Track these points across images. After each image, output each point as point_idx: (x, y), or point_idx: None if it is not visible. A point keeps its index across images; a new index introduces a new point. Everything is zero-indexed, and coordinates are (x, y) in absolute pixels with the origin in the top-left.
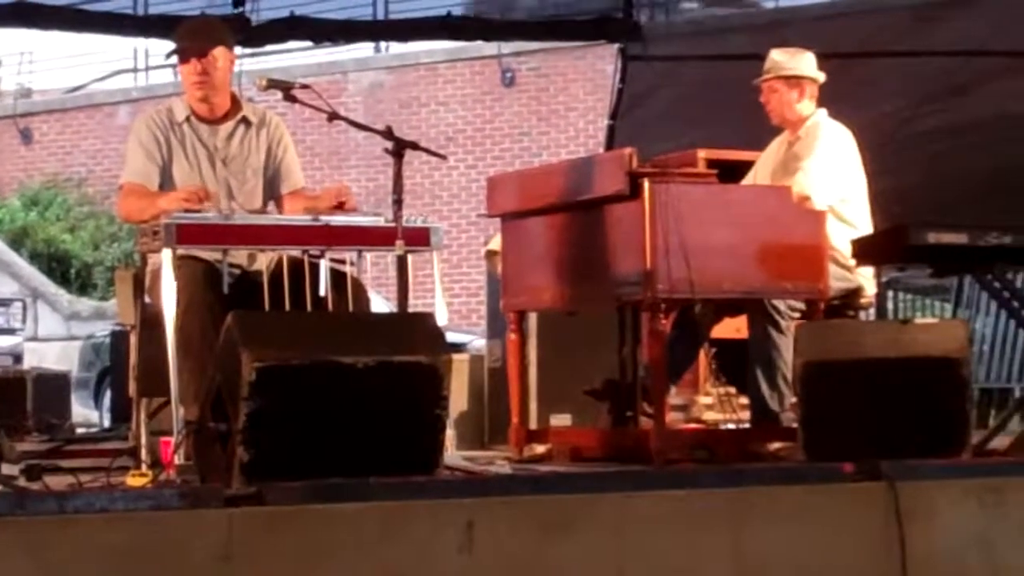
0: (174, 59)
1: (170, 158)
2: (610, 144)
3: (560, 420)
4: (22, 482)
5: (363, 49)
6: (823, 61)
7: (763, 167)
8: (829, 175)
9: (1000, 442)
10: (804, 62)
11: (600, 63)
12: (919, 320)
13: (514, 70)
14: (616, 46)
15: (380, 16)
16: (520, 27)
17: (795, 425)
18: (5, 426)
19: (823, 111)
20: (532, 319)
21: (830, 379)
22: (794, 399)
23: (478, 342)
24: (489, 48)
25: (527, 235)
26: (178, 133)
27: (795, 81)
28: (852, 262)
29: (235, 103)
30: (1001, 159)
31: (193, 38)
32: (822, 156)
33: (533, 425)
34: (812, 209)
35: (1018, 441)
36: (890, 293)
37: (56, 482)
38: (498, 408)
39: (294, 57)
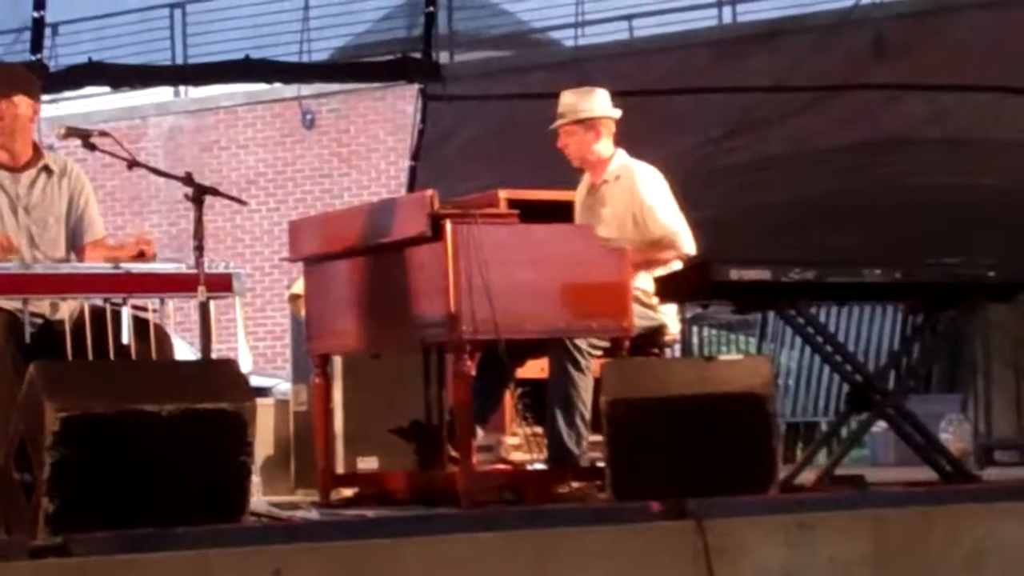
0: None
1: None
2: (412, 185)
3: (367, 463)
4: None
5: (163, 93)
6: (623, 98)
7: (578, 213)
8: (680, 216)
9: (807, 476)
10: (597, 101)
11: (401, 103)
12: (724, 357)
13: (314, 112)
14: (416, 86)
15: (179, 60)
16: (319, 69)
17: (599, 464)
18: None
19: (622, 151)
20: (337, 362)
21: (636, 417)
22: (594, 438)
23: (283, 386)
24: (289, 90)
25: (330, 279)
26: None
27: (590, 123)
28: (655, 300)
29: (36, 152)
30: (801, 193)
31: None
32: (667, 199)
33: (340, 469)
34: (614, 247)
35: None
36: (695, 328)
37: None
38: (304, 452)
39: (94, 102)
